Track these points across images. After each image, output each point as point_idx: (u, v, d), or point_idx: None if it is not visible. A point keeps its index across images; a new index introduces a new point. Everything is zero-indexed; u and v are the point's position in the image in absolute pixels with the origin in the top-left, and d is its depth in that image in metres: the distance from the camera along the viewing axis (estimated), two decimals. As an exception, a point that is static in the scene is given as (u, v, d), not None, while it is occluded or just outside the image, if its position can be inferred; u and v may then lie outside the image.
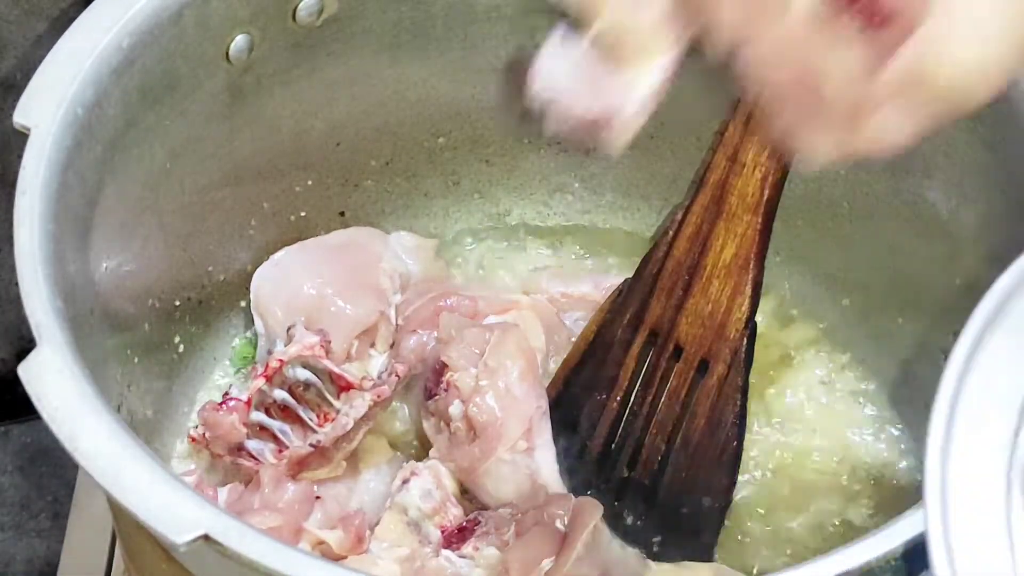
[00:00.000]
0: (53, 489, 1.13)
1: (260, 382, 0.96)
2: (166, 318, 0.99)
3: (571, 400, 1.00)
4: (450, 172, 1.11)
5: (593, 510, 0.87)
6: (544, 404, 0.96)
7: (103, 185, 0.87)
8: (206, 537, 0.63)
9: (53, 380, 0.73)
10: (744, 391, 0.95)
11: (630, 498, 0.98)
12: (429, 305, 1.03)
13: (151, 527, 0.64)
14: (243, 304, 1.06)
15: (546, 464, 0.95)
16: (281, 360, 0.96)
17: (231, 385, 1.01)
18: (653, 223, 1.12)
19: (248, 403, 0.96)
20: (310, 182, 1.06)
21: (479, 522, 0.91)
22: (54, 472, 1.14)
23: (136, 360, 0.95)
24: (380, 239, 1.08)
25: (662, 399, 0.97)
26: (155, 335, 0.98)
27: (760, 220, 0.93)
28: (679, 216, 0.96)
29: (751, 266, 0.94)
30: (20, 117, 0.83)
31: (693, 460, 0.96)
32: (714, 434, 0.95)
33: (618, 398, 0.98)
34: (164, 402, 1.01)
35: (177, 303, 1.00)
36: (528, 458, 0.94)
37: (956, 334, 0.95)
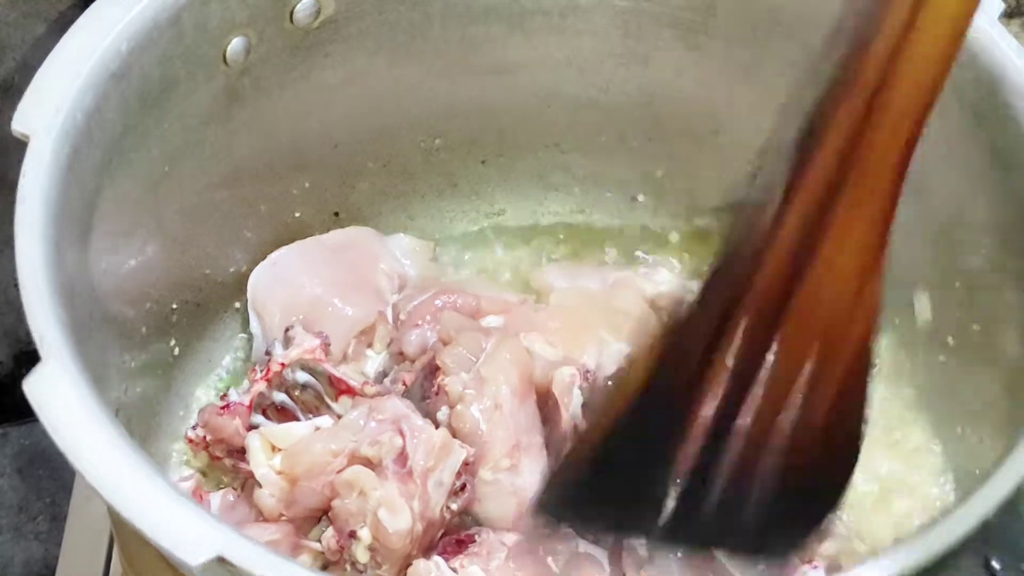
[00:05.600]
0: (51, 492, 1.13)
1: (261, 385, 0.96)
2: (163, 321, 0.99)
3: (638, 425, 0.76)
4: (446, 173, 1.11)
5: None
6: (536, 420, 0.95)
7: (101, 189, 0.86)
8: (220, 559, 0.63)
9: (59, 397, 0.72)
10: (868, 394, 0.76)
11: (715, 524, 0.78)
12: (431, 300, 1.03)
13: (164, 549, 0.64)
14: (237, 305, 1.05)
15: (533, 484, 0.92)
16: (283, 363, 0.96)
17: (229, 387, 1.00)
18: (647, 220, 1.12)
19: (250, 406, 0.95)
20: (307, 184, 1.05)
21: (475, 540, 0.91)
22: (52, 475, 1.14)
23: (133, 364, 0.94)
24: (378, 240, 1.07)
25: (762, 408, 0.75)
26: (152, 338, 0.97)
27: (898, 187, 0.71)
28: (789, 177, 0.71)
29: (884, 244, 0.73)
30: (19, 124, 0.82)
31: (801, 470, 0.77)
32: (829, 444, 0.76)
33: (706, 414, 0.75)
34: (160, 405, 1.00)
35: (174, 305, 0.99)
36: (513, 476, 0.93)
37: (954, 337, 0.96)
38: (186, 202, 0.96)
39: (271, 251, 1.04)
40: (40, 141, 0.81)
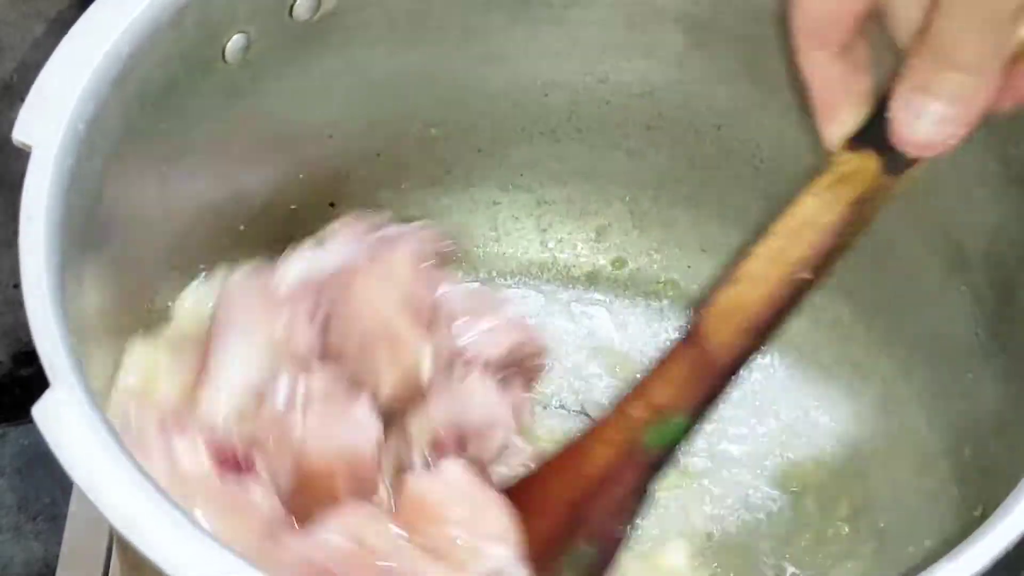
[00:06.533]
0: (51, 491, 1.13)
1: None
2: (155, 321, 0.97)
3: None
4: (441, 161, 1.09)
5: None
6: None
7: (102, 198, 0.84)
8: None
9: (69, 425, 0.70)
10: None
11: None
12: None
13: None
14: (230, 299, 1.03)
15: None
16: None
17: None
18: (647, 210, 1.11)
19: None
20: (301, 175, 1.03)
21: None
22: (52, 475, 1.13)
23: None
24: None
25: None
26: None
27: None
28: None
29: None
30: (20, 134, 0.79)
31: None
32: None
33: None
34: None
35: (169, 304, 0.97)
36: None
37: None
38: (182, 200, 0.94)
39: (266, 245, 1.02)
40: (43, 154, 0.79)
